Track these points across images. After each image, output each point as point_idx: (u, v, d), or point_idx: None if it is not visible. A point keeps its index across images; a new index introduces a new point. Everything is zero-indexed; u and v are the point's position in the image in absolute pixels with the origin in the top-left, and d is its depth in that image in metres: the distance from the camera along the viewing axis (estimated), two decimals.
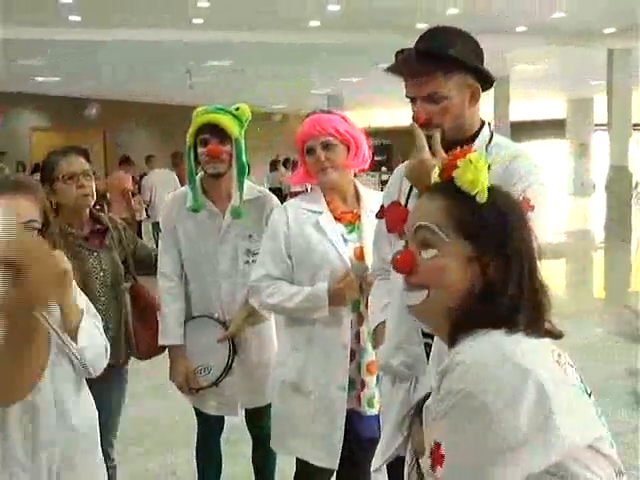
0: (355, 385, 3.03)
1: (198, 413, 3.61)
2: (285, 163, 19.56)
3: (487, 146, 2.38)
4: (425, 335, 2.43)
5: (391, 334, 2.51)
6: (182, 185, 12.32)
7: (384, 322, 2.60)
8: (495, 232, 1.48)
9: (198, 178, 3.40)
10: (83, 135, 20.17)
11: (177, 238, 3.40)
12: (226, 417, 3.67)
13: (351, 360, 3.00)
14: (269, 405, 3.27)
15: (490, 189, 1.51)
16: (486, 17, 12.02)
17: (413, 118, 2.33)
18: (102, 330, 2.52)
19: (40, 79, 17.51)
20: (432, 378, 2.14)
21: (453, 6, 11.79)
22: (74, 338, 2.35)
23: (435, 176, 1.59)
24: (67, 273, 2.32)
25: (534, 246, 1.51)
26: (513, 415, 1.30)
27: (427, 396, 1.58)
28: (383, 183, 16.83)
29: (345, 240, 3.04)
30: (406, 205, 2.47)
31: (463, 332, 1.46)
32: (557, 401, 1.32)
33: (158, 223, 11.74)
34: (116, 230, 3.39)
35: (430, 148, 2.22)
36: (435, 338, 2.37)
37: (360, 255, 3.04)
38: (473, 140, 2.37)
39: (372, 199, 3.10)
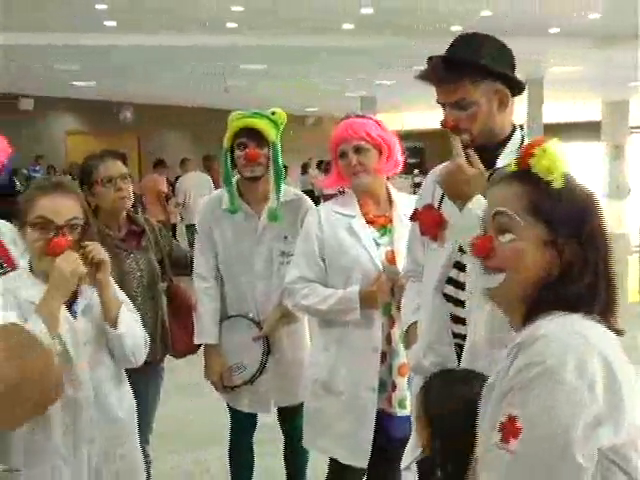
0: (386, 387, 3.07)
1: (232, 411, 3.67)
2: (319, 165, 19.63)
3: (519, 149, 2.41)
4: (455, 336, 2.46)
5: (423, 335, 2.54)
6: (216, 188, 12.46)
7: (416, 323, 2.63)
8: (571, 216, 1.54)
9: (234, 181, 3.45)
10: (118, 139, 20.39)
11: (213, 240, 3.46)
12: (258, 416, 3.73)
13: (382, 362, 3.05)
14: (301, 404, 3.33)
15: (566, 176, 1.56)
16: (520, 19, 11.98)
17: (441, 123, 2.37)
18: (141, 324, 2.59)
19: (76, 83, 17.73)
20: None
21: (487, 8, 11.76)
22: (115, 327, 2.43)
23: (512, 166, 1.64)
24: (105, 263, 2.41)
25: (607, 234, 1.56)
26: (590, 392, 1.36)
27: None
28: (416, 186, 16.82)
29: (377, 244, 3.09)
30: (439, 208, 2.51)
31: (539, 315, 1.50)
32: (626, 388, 1.39)
33: (192, 225, 11.86)
34: (152, 232, 3.46)
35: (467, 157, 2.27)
36: (467, 339, 2.41)
37: (391, 259, 3.08)
38: (504, 144, 2.40)
39: (404, 202, 3.14)
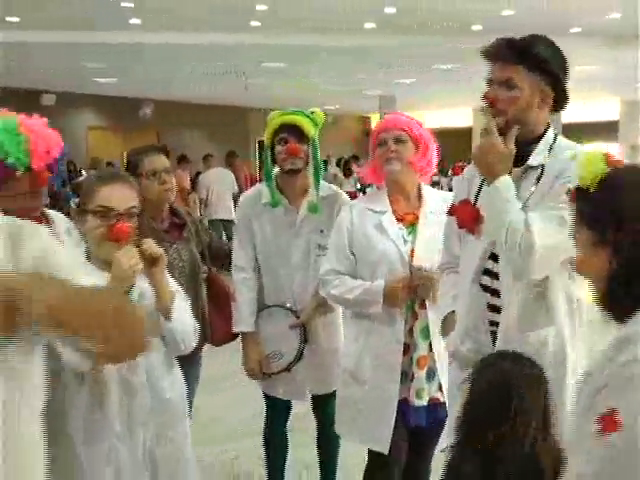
0: (409, 377, 3.19)
1: (267, 399, 3.80)
2: (338, 163, 19.73)
3: (551, 147, 2.54)
4: (492, 324, 2.59)
5: (460, 322, 2.68)
6: (238, 184, 12.53)
7: (453, 312, 2.75)
8: (612, 216, 1.63)
9: (273, 176, 3.59)
10: (137, 135, 20.50)
11: (252, 233, 3.60)
12: (291, 407, 3.86)
13: (406, 354, 3.17)
14: (334, 392, 3.47)
15: (603, 179, 1.67)
16: (541, 18, 12.01)
17: (484, 96, 2.56)
18: (190, 312, 2.72)
19: (99, 80, 17.89)
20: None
21: (508, 7, 11.80)
22: (168, 317, 2.56)
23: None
24: (161, 258, 2.54)
25: None
26: None
27: None
28: (433, 184, 16.87)
29: (405, 241, 3.21)
30: (475, 203, 2.63)
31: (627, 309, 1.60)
32: None
33: (213, 221, 11.95)
34: (193, 224, 3.60)
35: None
36: (499, 327, 2.54)
37: (410, 256, 3.20)
38: (537, 142, 2.54)
39: (435, 199, 3.27)
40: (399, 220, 3.25)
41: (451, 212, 2.77)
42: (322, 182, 3.61)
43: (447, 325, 2.79)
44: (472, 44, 12.52)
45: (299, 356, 3.55)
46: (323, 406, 3.77)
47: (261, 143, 27.22)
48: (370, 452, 3.33)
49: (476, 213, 2.61)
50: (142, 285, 2.58)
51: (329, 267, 3.28)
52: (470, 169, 2.80)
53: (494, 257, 2.58)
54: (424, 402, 3.21)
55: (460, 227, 2.69)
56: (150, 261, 2.53)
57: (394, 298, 3.12)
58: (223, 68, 15.94)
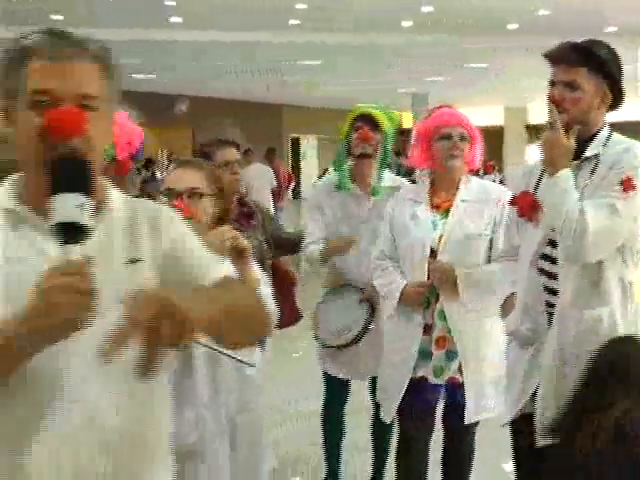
0: (429, 356, 3.38)
1: (327, 380, 3.99)
2: None
3: (605, 142, 2.73)
4: (549, 305, 2.78)
5: (519, 304, 2.87)
6: (277, 180, 12.70)
7: (512, 294, 2.94)
8: None
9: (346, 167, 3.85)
10: (173, 131, 20.78)
11: (325, 217, 3.86)
12: (349, 390, 4.05)
13: (427, 334, 3.37)
14: None
15: None
16: (576, 17, 12.10)
17: (549, 97, 2.70)
18: (272, 297, 2.92)
19: (136, 76, 18.17)
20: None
21: (543, 7, 11.91)
22: None
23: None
24: (247, 249, 2.74)
25: None
26: None
27: None
28: None
29: (435, 227, 3.38)
30: (534, 193, 2.83)
31: None
32: None
33: None
34: (260, 212, 3.80)
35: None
36: (556, 308, 2.72)
37: (437, 243, 3.38)
38: (594, 138, 2.73)
39: (472, 188, 3.43)
40: (436, 208, 3.43)
41: (512, 203, 2.95)
42: (388, 173, 3.83)
43: (507, 306, 2.98)
44: (507, 43, 12.68)
45: (365, 329, 3.70)
46: None
47: (294, 140, 27.61)
48: (400, 431, 3.58)
49: (535, 202, 2.80)
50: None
51: (378, 250, 3.53)
52: (528, 165, 3.00)
53: (552, 243, 2.76)
54: (441, 381, 3.40)
55: (520, 216, 2.87)
56: (238, 251, 2.73)
57: (410, 300, 3.35)
58: (260, 66, 16.17)
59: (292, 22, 12.53)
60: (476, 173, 13.91)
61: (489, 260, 3.36)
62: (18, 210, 1.52)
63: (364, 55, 15.14)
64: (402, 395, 3.40)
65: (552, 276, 2.77)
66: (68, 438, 1.48)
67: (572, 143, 2.65)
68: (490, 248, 3.35)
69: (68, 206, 1.34)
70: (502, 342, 3.34)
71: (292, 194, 18.86)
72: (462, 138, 3.36)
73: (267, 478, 2.98)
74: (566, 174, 2.63)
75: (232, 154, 3.62)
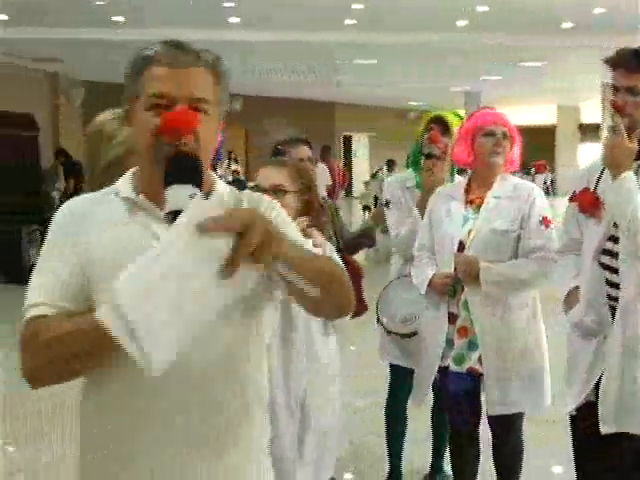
0: (453, 344, 3.53)
1: (392, 371, 4.16)
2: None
3: None
4: (611, 298, 2.91)
5: (583, 297, 2.99)
6: (332, 177, 12.84)
7: (575, 288, 3.06)
8: None
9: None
10: (226, 128, 20.96)
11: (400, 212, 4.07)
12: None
13: (453, 323, 3.52)
14: None
15: None
16: (631, 16, 12.02)
17: (611, 102, 2.86)
18: None
19: None
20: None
21: (598, 5, 11.84)
22: None
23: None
24: (324, 245, 2.91)
25: None
26: None
27: None
28: None
29: (466, 222, 3.52)
30: (594, 190, 2.96)
31: None
32: None
33: None
34: (329, 209, 3.97)
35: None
36: (619, 301, 2.85)
37: (465, 238, 3.52)
38: None
39: (505, 185, 3.54)
40: (470, 203, 3.58)
41: (572, 199, 3.09)
42: (458, 176, 4.02)
43: (570, 299, 3.08)
44: (561, 42, 12.63)
45: None
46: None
47: (347, 138, 27.74)
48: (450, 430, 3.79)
49: (596, 200, 2.94)
50: None
51: (418, 241, 3.72)
52: (588, 165, 3.18)
53: (613, 238, 2.90)
54: (461, 369, 3.52)
55: (581, 212, 3.02)
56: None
57: (436, 289, 3.53)
58: (315, 65, 16.33)
59: (348, 22, 12.66)
60: (527, 172, 13.94)
61: (516, 256, 3.47)
62: (136, 199, 1.69)
63: (417, 54, 15.20)
64: (431, 382, 3.60)
65: (614, 270, 2.90)
66: (177, 404, 1.62)
67: (635, 146, 2.78)
68: (517, 244, 3.47)
69: (181, 196, 1.50)
70: (533, 335, 3.51)
71: (344, 192, 19.04)
72: (504, 136, 3.50)
73: (332, 464, 3.14)
74: (630, 175, 2.78)
75: (305, 152, 3.79)
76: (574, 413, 3.00)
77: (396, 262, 4.12)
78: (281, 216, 1.82)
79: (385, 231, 4.29)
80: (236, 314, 1.63)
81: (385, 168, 18.65)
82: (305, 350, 2.93)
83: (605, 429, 2.87)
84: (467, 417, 3.65)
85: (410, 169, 4.13)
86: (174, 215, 1.46)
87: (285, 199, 2.87)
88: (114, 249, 1.62)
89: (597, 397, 2.91)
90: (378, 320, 4.00)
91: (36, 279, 1.67)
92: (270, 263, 1.44)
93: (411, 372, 4.07)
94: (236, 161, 19.73)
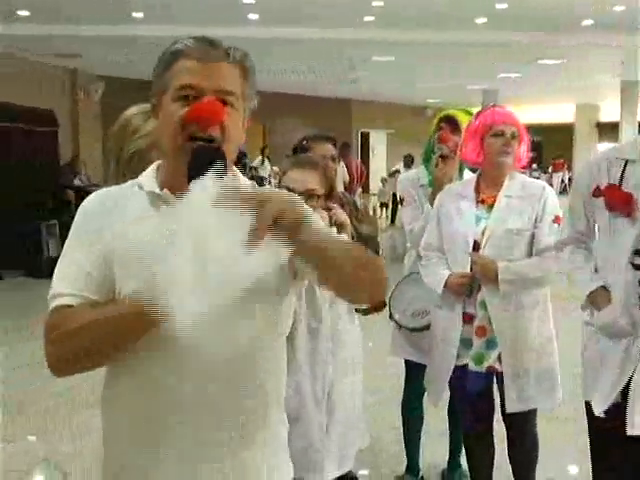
0: (471, 344, 3.54)
1: (408, 367, 4.19)
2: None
3: None
4: None
5: (617, 299, 2.93)
6: (349, 175, 12.89)
7: (601, 288, 3.01)
8: None
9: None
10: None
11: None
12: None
13: (470, 323, 3.53)
14: None
15: None
16: None
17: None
18: None
19: None
20: None
21: (619, 3, 11.77)
22: None
23: None
24: (345, 224, 2.95)
25: None
26: None
27: None
28: None
29: (479, 221, 3.53)
30: (619, 186, 2.92)
31: None
32: None
33: None
34: (348, 204, 3.98)
35: None
36: None
37: (481, 234, 3.53)
38: None
39: (516, 185, 3.56)
40: (481, 203, 3.58)
41: (597, 194, 3.00)
42: (468, 172, 4.00)
43: (598, 300, 3.02)
44: (581, 39, 12.55)
45: None
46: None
47: (364, 135, 27.73)
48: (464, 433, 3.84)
49: (629, 197, 2.88)
50: None
51: (425, 240, 3.73)
52: (598, 157, 3.15)
53: None
54: (481, 368, 3.54)
55: (611, 210, 2.94)
56: (337, 226, 2.94)
57: (453, 290, 3.52)
58: (333, 61, 16.34)
59: (367, 19, 12.66)
60: (545, 171, 13.97)
61: (530, 254, 3.48)
62: (160, 193, 1.72)
63: (435, 52, 15.17)
64: (447, 381, 3.61)
65: None
66: (201, 392, 1.65)
67: None
68: (531, 243, 3.48)
69: None
70: (545, 333, 3.54)
71: (361, 188, 19.04)
72: (513, 136, 3.49)
73: (353, 455, 3.17)
74: None
75: (327, 149, 3.81)
76: (603, 415, 2.95)
77: (410, 257, 4.15)
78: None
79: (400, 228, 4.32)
80: (256, 300, 1.63)
81: (402, 163, 18.69)
82: (331, 340, 2.98)
83: (634, 431, 2.84)
84: (483, 416, 3.69)
85: (423, 167, 4.16)
86: None
87: (318, 203, 2.93)
88: (139, 242, 1.64)
89: (622, 398, 2.88)
90: (391, 316, 4.01)
91: (60, 270, 1.70)
92: (295, 233, 1.44)
93: (424, 367, 4.10)
94: (268, 158, 19.62)
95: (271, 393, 1.77)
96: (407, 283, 4.01)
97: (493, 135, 3.50)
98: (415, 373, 4.10)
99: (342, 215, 2.97)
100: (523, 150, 3.57)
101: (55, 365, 1.64)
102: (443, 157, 3.92)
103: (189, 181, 1.52)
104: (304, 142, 3.87)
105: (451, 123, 3.95)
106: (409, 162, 18.05)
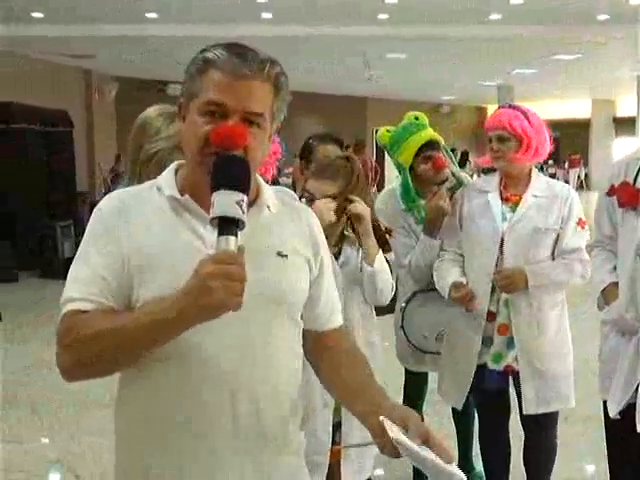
0: (491, 342, 3.51)
1: (409, 375, 4.13)
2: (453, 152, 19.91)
3: None
4: None
5: (623, 293, 2.93)
6: (364, 171, 12.94)
7: (612, 284, 3.02)
8: None
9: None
10: None
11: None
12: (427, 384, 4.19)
13: (492, 320, 3.48)
14: None
15: None
16: None
17: None
18: (389, 271, 3.08)
19: None
20: None
21: None
22: (371, 262, 2.98)
23: None
24: (362, 216, 2.94)
25: None
26: None
27: None
28: (550, 177, 16.79)
29: (505, 218, 3.48)
30: (634, 184, 2.91)
31: None
32: None
33: None
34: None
35: None
36: None
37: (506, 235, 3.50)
38: None
39: (541, 184, 3.53)
40: (506, 200, 3.53)
41: (610, 193, 3.03)
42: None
43: (607, 295, 3.04)
44: (596, 34, 12.46)
45: None
46: None
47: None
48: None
49: (636, 192, 2.89)
50: (347, 254, 3.03)
51: (447, 241, 3.66)
52: (623, 158, 3.11)
53: None
54: (498, 367, 3.52)
55: (621, 206, 2.96)
56: (356, 217, 2.93)
57: (458, 301, 3.47)
58: (347, 59, 16.33)
59: (381, 16, 12.62)
60: (561, 166, 13.93)
61: (553, 254, 3.46)
62: (182, 199, 1.69)
63: (450, 48, 15.12)
64: (471, 382, 3.55)
65: None
66: (212, 403, 1.64)
67: None
68: (554, 243, 3.45)
69: (227, 202, 1.49)
70: (562, 333, 3.51)
71: (376, 186, 19.02)
72: (499, 138, 3.45)
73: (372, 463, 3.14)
74: None
75: (332, 150, 3.78)
76: (618, 417, 2.93)
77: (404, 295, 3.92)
78: (327, 257, 1.90)
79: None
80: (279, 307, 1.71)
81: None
82: (362, 338, 2.97)
83: None
84: (500, 416, 3.67)
85: (403, 206, 3.85)
86: (220, 221, 1.48)
87: (337, 200, 2.96)
88: (161, 248, 1.64)
89: (635, 397, 2.86)
90: (402, 329, 3.88)
91: (74, 273, 1.67)
92: None
93: (425, 375, 4.06)
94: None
95: (293, 398, 1.79)
96: (414, 304, 3.82)
97: (488, 142, 3.52)
98: (414, 381, 4.11)
99: (358, 208, 2.95)
100: (532, 148, 3.47)
101: (69, 370, 1.62)
102: (446, 182, 3.78)
103: (212, 191, 1.51)
104: (310, 142, 3.86)
105: (431, 146, 3.75)
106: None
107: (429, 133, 3.77)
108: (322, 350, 1.87)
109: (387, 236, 3.28)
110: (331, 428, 2.95)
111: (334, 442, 2.93)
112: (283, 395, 1.74)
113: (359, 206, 2.95)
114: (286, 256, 1.73)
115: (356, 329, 3.00)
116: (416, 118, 3.82)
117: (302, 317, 1.81)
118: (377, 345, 3.16)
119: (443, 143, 3.83)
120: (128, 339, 1.54)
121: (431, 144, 3.75)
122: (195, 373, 1.62)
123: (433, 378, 4.07)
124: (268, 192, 1.78)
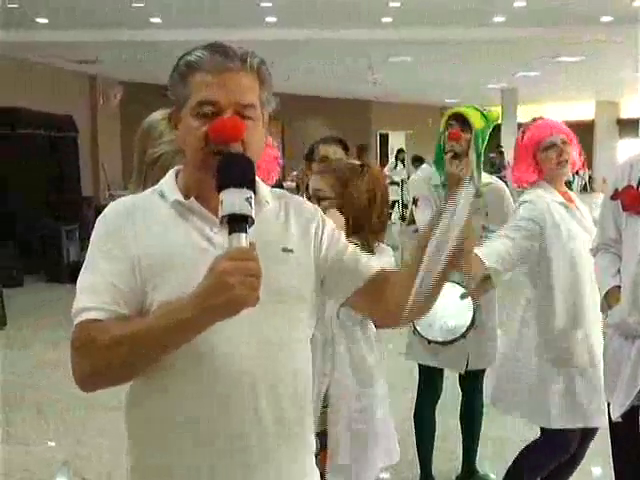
0: None
1: (422, 373, 4.14)
2: None
3: None
4: None
5: (626, 296, 2.93)
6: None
7: (616, 287, 3.01)
8: None
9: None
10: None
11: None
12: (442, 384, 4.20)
13: None
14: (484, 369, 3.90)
15: None
16: None
17: None
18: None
19: None
20: None
21: None
22: None
23: None
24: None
25: None
26: None
27: None
28: None
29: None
30: (637, 188, 2.91)
31: None
32: None
33: None
34: None
35: None
36: None
37: None
38: None
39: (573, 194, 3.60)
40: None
41: (614, 197, 3.03)
42: (485, 174, 3.98)
43: (611, 299, 3.03)
44: (600, 36, 12.43)
45: (472, 325, 3.72)
46: (476, 381, 4.11)
47: (382, 136, 27.73)
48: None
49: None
50: None
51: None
52: (627, 161, 3.09)
53: None
54: None
55: (625, 209, 2.96)
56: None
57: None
58: (351, 63, 16.33)
59: (385, 20, 12.63)
60: None
61: None
62: (187, 203, 1.70)
63: (454, 51, 15.12)
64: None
65: None
66: (224, 401, 1.65)
67: None
68: None
69: (237, 200, 1.50)
70: None
71: None
72: (564, 143, 3.47)
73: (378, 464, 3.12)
74: None
75: (333, 151, 3.84)
76: (620, 420, 2.93)
77: None
78: (329, 228, 1.92)
79: (415, 231, 4.20)
80: (291, 306, 1.74)
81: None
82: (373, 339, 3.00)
83: None
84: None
85: (433, 168, 4.04)
86: (231, 219, 1.49)
87: (330, 204, 2.94)
88: (171, 251, 1.65)
89: (638, 399, 2.85)
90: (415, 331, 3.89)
91: (83, 282, 1.66)
92: None
93: (440, 372, 4.06)
94: (403, 163, 19.75)
95: (308, 399, 1.80)
96: None
97: (545, 149, 3.47)
98: (430, 378, 4.09)
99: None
100: (575, 153, 3.52)
101: (87, 380, 1.63)
102: (455, 155, 3.84)
103: (219, 191, 1.53)
104: (315, 142, 3.91)
105: (460, 120, 3.85)
106: (402, 159, 18.80)
107: (463, 109, 3.89)
108: (379, 295, 1.84)
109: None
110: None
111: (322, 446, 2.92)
112: (300, 384, 1.76)
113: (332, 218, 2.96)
114: (291, 250, 1.75)
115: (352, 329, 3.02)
116: (486, 109, 3.96)
117: (340, 287, 1.85)
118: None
119: (480, 126, 3.83)
120: (146, 343, 1.54)
121: (460, 117, 3.84)
122: (215, 372, 1.64)
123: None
124: (263, 187, 1.80)
